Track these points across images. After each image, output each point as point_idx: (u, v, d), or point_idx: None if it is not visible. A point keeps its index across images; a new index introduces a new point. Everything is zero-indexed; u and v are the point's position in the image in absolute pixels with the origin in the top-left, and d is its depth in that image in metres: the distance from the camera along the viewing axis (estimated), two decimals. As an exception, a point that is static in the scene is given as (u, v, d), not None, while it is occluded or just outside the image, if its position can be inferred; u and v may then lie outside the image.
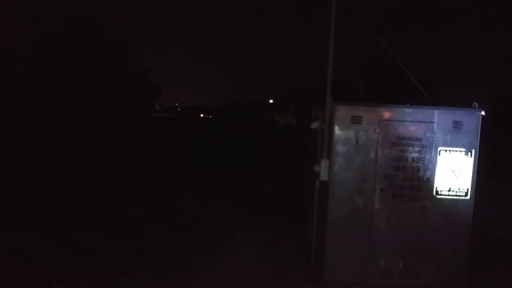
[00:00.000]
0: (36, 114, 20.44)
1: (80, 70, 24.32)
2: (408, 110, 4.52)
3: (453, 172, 4.48)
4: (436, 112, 4.48)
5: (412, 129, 4.48)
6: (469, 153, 4.46)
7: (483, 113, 4.57)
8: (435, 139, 4.47)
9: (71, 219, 6.92)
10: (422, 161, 4.50)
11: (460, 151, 4.47)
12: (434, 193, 4.51)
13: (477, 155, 4.47)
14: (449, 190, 4.51)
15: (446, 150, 4.47)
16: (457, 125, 4.45)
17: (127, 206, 7.88)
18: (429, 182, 4.51)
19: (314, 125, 5.12)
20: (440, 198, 4.52)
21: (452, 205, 4.53)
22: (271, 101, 76.23)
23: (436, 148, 4.48)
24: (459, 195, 4.51)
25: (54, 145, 16.17)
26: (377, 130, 4.47)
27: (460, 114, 4.48)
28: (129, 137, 22.20)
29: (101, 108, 24.00)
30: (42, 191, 8.76)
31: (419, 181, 4.52)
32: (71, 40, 25.45)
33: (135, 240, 6.10)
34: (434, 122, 4.47)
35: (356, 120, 4.47)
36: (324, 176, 4.57)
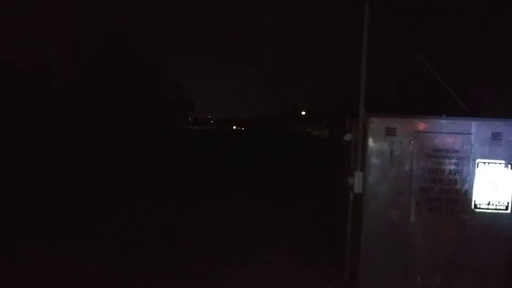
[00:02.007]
0: (76, 127, 21.16)
1: (116, 85, 25.06)
2: (444, 122, 4.43)
3: (492, 185, 4.34)
4: (473, 123, 4.37)
5: (449, 141, 4.38)
6: (509, 165, 4.32)
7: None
8: (472, 151, 4.35)
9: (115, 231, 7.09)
10: (459, 174, 4.38)
11: (500, 164, 4.33)
12: (473, 206, 4.38)
13: (517, 168, 4.32)
14: (488, 204, 4.37)
15: (484, 163, 4.35)
16: (496, 136, 4.32)
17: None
18: (467, 195, 4.38)
19: (348, 137, 5.09)
20: (479, 212, 4.38)
21: (491, 219, 4.38)
22: (303, 112, 76.02)
23: (474, 160, 4.36)
24: (499, 209, 4.36)
25: (93, 154, 16.68)
26: (412, 142, 4.39)
27: (499, 125, 4.35)
28: (161, 147, 22.58)
29: (135, 120, 24.59)
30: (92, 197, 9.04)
31: (456, 194, 4.40)
32: (108, 57, 26.32)
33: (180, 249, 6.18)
34: (471, 134, 4.35)
35: (390, 131, 4.41)
36: (358, 188, 4.52)
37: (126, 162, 16.38)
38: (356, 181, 4.52)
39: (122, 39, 27.57)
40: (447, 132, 4.39)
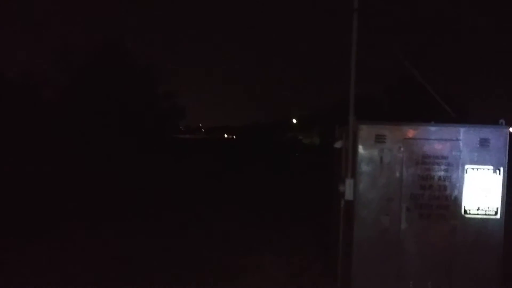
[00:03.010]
0: (66, 136, 21.01)
1: (106, 95, 24.96)
2: (432, 128, 4.47)
3: (482, 191, 4.39)
4: (461, 129, 4.42)
5: (438, 147, 4.43)
6: (498, 171, 4.37)
7: (511, 129, 4.48)
8: (461, 157, 4.40)
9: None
10: (449, 180, 4.42)
11: (488, 169, 4.38)
12: (463, 212, 4.42)
13: (506, 173, 4.37)
14: (478, 209, 4.41)
15: (473, 168, 4.39)
16: (484, 142, 4.38)
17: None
18: (457, 201, 4.42)
19: (338, 144, 5.11)
20: (469, 218, 4.42)
21: (481, 224, 4.41)
22: (294, 120, 76.21)
23: (463, 166, 4.40)
24: (489, 214, 4.40)
25: (84, 163, 16.58)
26: (402, 148, 4.43)
27: (486, 132, 4.40)
28: (150, 155, 22.47)
29: (126, 129, 24.47)
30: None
31: (446, 200, 4.43)
32: (98, 65, 26.23)
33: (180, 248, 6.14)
34: (460, 140, 4.40)
35: (380, 139, 4.44)
36: (349, 195, 4.54)
37: (116, 171, 16.29)
38: (347, 188, 4.55)
39: (113, 47, 27.51)
40: (436, 138, 4.43)
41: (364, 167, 4.48)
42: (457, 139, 4.41)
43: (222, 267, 5.86)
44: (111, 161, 18.45)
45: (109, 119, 23.95)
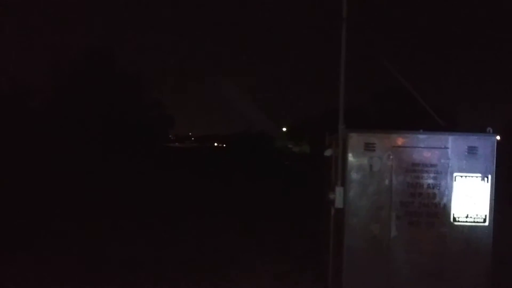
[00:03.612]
0: (52, 146, 20.78)
1: (95, 102, 24.81)
2: (421, 136, 4.51)
3: (470, 198, 4.42)
4: (450, 138, 4.45)
5: (427, 155, 4.45)
6: (486, 179, 4.41)
7: (498, 137, 4.53)
8: (450, 165, 4.43)
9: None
10: (438, 187, 4.45)
11: (476, 177, 4.41)
12: (452, 219, 4.44)
13: (493, 181, 4.41)
14: (466, 217, 4.43)
15: (462, 176, 4.42)
16: (472, 150, 4.41)
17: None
18: (446, 208, 4.44)
19: (328, 152, 5.13)
20: (458, 225, 4.44)
21: (470, 231, 4.44)
22: (284, 129, 76.42)
23: (452, 174, 4.43)
24: (477, 222, 4.43)
25: (72, 171, 16.41)
26: (391, 156, 4.45)
27: (474, 140, 4.44)
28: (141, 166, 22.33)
29: (114, 138, 24.31)
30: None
31: (435, 208, 4.45)
32: (86, 74, 26.08)
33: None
34: (448, 148, 4.43)
35: (369, 147, 4.46)
36: (339, 203, 4.54)
37: (106, 180, 16.15)
38: (337, 196, 4.55)
39: (101, 56, 27.41)
40: (425, 146, 4.46)
41: (353, 175, 4.49)
42: (446, 147, 4.44)
43: (212, 275, 5.82)
44: (97, 171, 18.28)
45: (96, 128, 23.79)
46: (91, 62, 26.81)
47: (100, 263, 6.28)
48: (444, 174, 4.44)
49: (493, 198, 4.41)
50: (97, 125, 23.92)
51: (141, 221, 9.22)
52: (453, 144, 4.44)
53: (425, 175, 4.45)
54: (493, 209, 4.42)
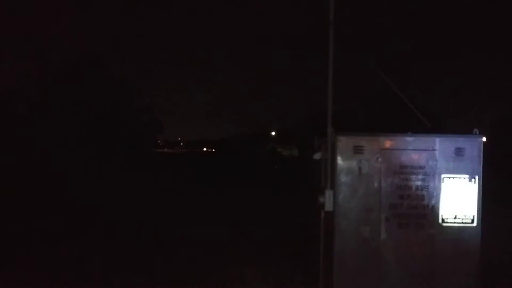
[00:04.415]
0: (39, 153, 20.54)
1: (82, 109, 24.60)
2: (409, 139, 4.54)
3: (458, 199, 4.46)
4: (437, 139, 4.50)
5: (415, 157, 4.49)
6: (473, 180, 4.45)
7: (484, 139, 4.58)
8: (438, 166, 4.47)
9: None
10: (426, 189, 4.48)
11: (464, 178, 4.46)
12: (440, 221, 4.48)
13: (481, 181, 4.46)
14: (455, 218, 4.47)
15: (449, 177, 4.47)
16: (459, 152, 4.46)
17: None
18: (434, 210, 4.48)
19: (317, 156, 5.14)
20: (447, 226, 4.48)
21: (459, 232, 4.48)
22: (273, 133, 76.56)
23: (440, 176, 4.47)
24: (466, 222, 4.47)
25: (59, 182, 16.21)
26: (379, 159, 4.48)
27: (461, 141, 4.49)
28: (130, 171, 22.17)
29: (102, 144, 24.12)
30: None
31: (424, 209, 4.49)
32: (73, 78, 25.85)
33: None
34: (436, 150, 4.48)
35: (358, 150, 4.49)
36: (328, 206, 4.55)
37: (94, 187, 16.00)
38: (327, 199, 4.56)
39: (89, 61, 27.22)
40: (413, 148, 4.50)
41: (343, 178, 4.50)
42: (433, 149, 4.48)
43: (203, 281, 5.79)
44: (85, 178, 18.11)
45: (83, 134, 23.58)
46: (78, 68, 26.59)
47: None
48: (432, 175, 4.48)
49: (481, 198, 4.46)
50: (83, 131, 23.71)
51: (126, 230, 9.13)
52: (441, 145, 4.48)
53: (413, 177, 4.48)
54: (481, 210, 4.47)
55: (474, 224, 4.47)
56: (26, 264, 6.52)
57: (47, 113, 24.17)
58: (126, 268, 6.36)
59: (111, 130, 25.95)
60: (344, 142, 4.52)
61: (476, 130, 4.55)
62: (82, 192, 14.71)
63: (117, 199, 13.72)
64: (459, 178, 4.46)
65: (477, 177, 4.46)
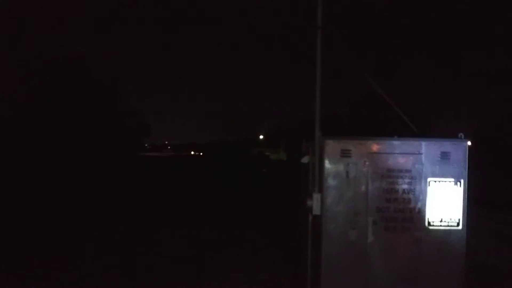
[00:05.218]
0: (24, 157, 20.27)
1: (68, 111, 24.35)
2: (396, 143, 4.59)
3: (444, 203, 4.51)
4: (423, 143, 4.55)
5: (401, 161, 4.53)
6: (458, 183, 4.51)
7: (469, 143, 4.64)
8: (424, 170, 4.52)
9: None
10: (412, 193, 4.52)
11: (449, 181, 4.51)
12: (426, 224, 4.52)
13: (466, 185, 4.51)
14: (441, 221, 4.52)
15: (435, 181, 4.51)
16: (445, 156, 4.51)
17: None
18: (421, 213, 4.52)
19: (305, 159, 5.16)
20: (433, 229, 4.52)
21: (445, 235, 4.52)
22: (261, 136, 76.65)
23: (426, 179, 4.52)
24: (451, 225, 4.52)
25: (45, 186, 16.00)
26: (367, 163, 4.51)
27: (447, 145, 4.54)
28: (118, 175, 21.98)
29: (89, 147, 23.88)
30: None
31: (411, 213, 4.53)
32: (60, 82, 25.58)
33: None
34: (422, 154, 4.52)
35: (345, 153, 4.52)
36: (316, 210, 4.57)
37: (77, 191, 15.84)
38: (315, 203, 4.57)
39: (74, 64, 26.96)
40: (399, 152, 4.54)
41: (330, 182, 4.53)
42: (419, 153, 4.53)
43: (189, 285, 5.76)
44: (71, 182, 17.91)
45: (70, 137, 23.34)
46: (65, 70, 26.33)
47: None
48: (418, 179, 4.52)
49: (466, 202, 4.52)
50: (68, 134, 23.46)
51: (109, 233, 9.04)
52: (427, 149, 4.53)
53: (400, 180, 4.52)
54: (466, 213, 4.52)
55: (460, 227, 4.52)
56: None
57: (31, 116, 23.87)
58: (109, 271, 6.31)
59: (97, 134, 25.72)
60: (331, 146, 4.55)
61: (461, 134, 4.61)
62: (65, 195, 14.54)
63: (102, 202, 13.60)
64: (445, 181, 4.51)
65: (462, 181, 4.51)
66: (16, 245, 7.89)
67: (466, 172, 4.52)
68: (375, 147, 4.55)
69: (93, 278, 6.04)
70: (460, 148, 4.54)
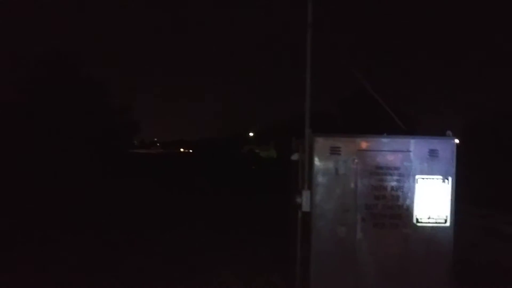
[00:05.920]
0: (14, 154, 20.06)
1: (57, 107, 24.13)
2: (385, 140, 4.61)
3: (432, 200, 4.55)
4: (412, 141, 4.58)
5: (390, 159, 4.56)
6: (446, 181, 4.55)
7: (457, 141, 4.69)
8: (412, 167, 4.56)
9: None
10: (401, 190, 4.56)
11: (437, 179, 4.55)
12: (414, 221, 4.56)
13: (454, 182, 4.56)
14: (428, 218, 4.56)
15: (423, 178, 4.55)
16: (433, 153, 4.55)
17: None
18: (409, 210, 4.56)
19: (294, 156, 5.17)
20: (421, 226, 4.56)
21: (432, 232, 4.57)
22: (251, 134, 76.65)
23: (414, 176, 4.55)
24: (439, 222, 4.57)
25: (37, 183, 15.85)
26: (356, 160, 4.53)
27: (435, 143, 4.59)
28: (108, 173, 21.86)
29: (76, 144, 23.68)
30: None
31: (399, 210, 4.56)
32: (48, 79, 25.33)
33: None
34: (410, 151, 4.56)
35: (335, 151, 4.53)
36: (306, 207, 4.58)
37: (65, 189, 15.71)
38: (304, 200, 4.59)
39: (64, 61, 26.72)
40: (388, 150, 4.57)
41: (320, 179, 4.54)
42: (408, 150, 4.57)
43: (177, 282, 5.75)
44: (58, 178, 17.75)
45: (58, 133, 23.13)
46: (54, 67, 26.08)
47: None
48: (406, 176, 4.56)
49: (454, 199, 4.56)
50: (57, 131, 23.25)
51: (101, 232, 8.98)
52: (415, 147, 4.57)
53: (388, 177, 4.56)
54: (454, 210, 4.57)
55: (447, 224, 4.57)
56: None
57: (21, 113, 23.61)
58: (95, 270, 6.27)
59: (86, 130, 25.52)
60: (321, 143, 4.56)
61: (449, 132, 4.65)
62: (52, 193, 14.41)
63: (93, 201, 13.50)
64: (433, 179, 4.56)
65: (450, 178, 4.56)
66: None
67: (454, 170, 4.57)
68: (364, 144, 4.58)
69: (82, 278, 5.99)
70: (448, 146, 4.58)
